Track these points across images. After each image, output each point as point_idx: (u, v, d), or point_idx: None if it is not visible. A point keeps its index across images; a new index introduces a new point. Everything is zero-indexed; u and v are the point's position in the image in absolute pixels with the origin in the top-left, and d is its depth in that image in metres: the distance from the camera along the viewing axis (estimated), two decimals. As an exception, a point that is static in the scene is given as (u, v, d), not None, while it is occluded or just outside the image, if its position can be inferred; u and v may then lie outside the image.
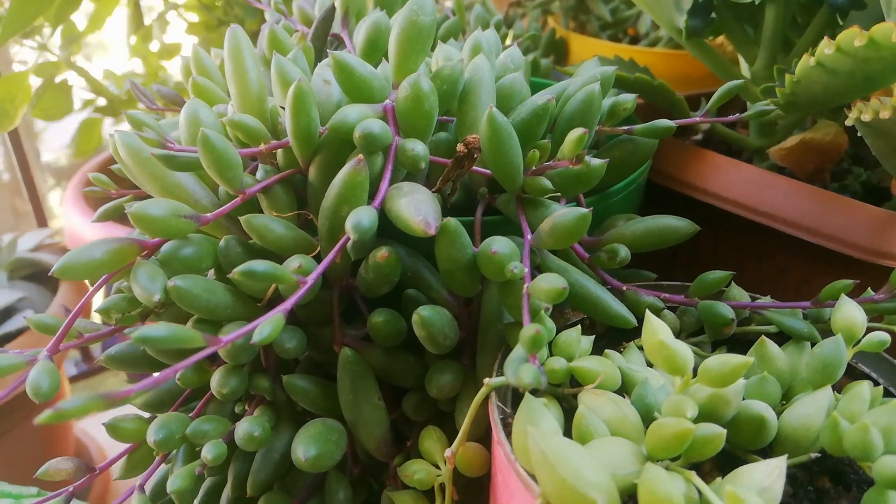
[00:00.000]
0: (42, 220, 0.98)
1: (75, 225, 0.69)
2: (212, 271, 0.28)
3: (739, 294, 0.28)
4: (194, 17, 0.91)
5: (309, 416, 0.28)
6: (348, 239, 0.24)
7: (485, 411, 0.25)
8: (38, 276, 0.72)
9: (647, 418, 0.23)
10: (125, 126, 1.12)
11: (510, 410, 0.24)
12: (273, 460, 0.27)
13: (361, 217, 0.23)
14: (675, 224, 0.28)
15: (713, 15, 0.38)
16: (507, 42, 0.61)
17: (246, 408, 0.27)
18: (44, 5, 0.67)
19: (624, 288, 0.29)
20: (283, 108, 0.28)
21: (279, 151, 0.28)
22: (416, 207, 0.23)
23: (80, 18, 0.83)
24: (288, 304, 0.22)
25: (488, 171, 0.28)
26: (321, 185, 0.27)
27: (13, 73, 0.77)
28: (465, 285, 0.26)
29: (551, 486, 0.19)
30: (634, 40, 0.63)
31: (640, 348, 0.27)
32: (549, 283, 0.22)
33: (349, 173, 0.24)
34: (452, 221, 0.23)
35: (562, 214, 0.24)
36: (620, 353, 0.26)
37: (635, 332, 0.28)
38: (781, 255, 0.37)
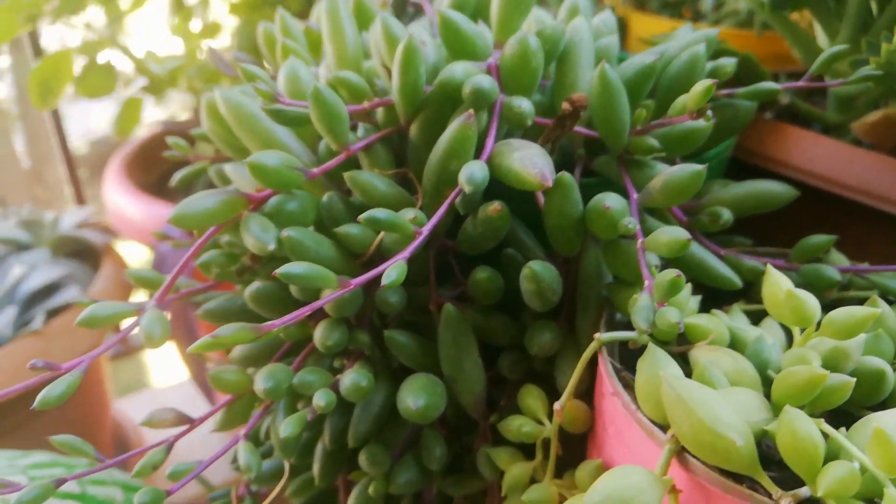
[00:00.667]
0: (81, 201, 0.99)
1: (118, 201, 0.70)
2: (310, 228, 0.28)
3: (839, 259, 0.28)
4: (237, -1, 0.91)
5: (403, 373, 0.28)
6: (458, 193, 0.24)
7: (586, 370, 0.25)
8: (80, 253, 0.72)
9: (762, 374, 0.23)
10: (165, 105, 1.12)
11: (620, 366, 0.24)
12: (372, 413, 0.27)
13: (474, 170, 0.23)
14: (775, 188, 0.28)
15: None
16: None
17: (344, 363, 0.28)
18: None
19: (722, 252, 0.29)
20: (385, 68, 0.28)
21: (379, 110, 0.28)
22: (532, 161, 0.23)
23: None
24: (406, 253, 0.23)
25: (588, 132, 0.28)
26: (423, 143, 0.27)
27: (58, 51, 0.78)
28: (569, 242, 0.26)
29: (688, 427, 0.19)
30: (693, 20, 0.63)
31: (743, 312, 0.27)
32: (670, 235, 0.22)
33: (459, 128, 0.24)
34: (567, 175, 0.23)
35: (675, 170, 0.24)
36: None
37: (733, 298, 0.28)
38: (862, 228, 0.37)
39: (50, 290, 0.63)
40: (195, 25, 0.95)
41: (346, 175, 0.26)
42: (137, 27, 1.04)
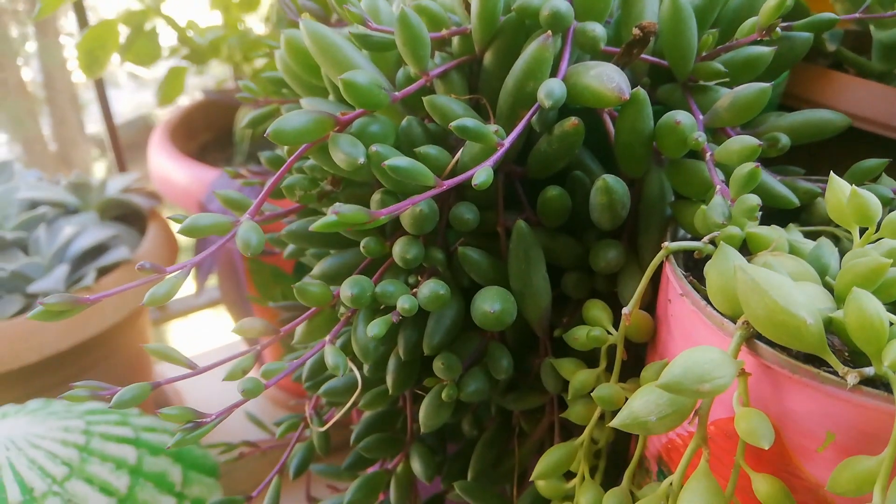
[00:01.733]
0: (122, 169, 1.01)
1: (162, 167, 0.72)
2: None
3: (889, 182, 0.30)
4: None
5: (472, 290, 0.30)
6: (535, 110, 0.26)
7: (649, 283, 0.26)
8: (126, 217, 0.74)
9: (822, 278, 0.24)
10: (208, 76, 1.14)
11: (685, 273, 0.26)
12: (445, 325, 0.29)
13: (553, 86, 0.25)
14: (829, 116, 0.30)
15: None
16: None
17: (419, 279, 0.29)
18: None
19: (779, 178, 0.30)
20: (464, 1, 0.30)
21: (455, 39, 0.30)
22: (608, 76, 0.25)
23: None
24: (491, 161, 0.24)
25: (655, 59, 0.29)
26: (496, 70, 0.29)
27: (103, 20, 0.80)
28: (638, 162, 0.27)
29: (762, 310, 0.20)
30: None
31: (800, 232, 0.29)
32: (742, 143, 0.23)
33: (537, 49, 0.26)
34: (641, 91, 0.25)
35: (742, 89, 0.25)
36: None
37: (789, 219, 0.30)
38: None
39: (99, 250, 0.65)
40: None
41: (426, 99, 0.28)
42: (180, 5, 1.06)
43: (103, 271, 0.60)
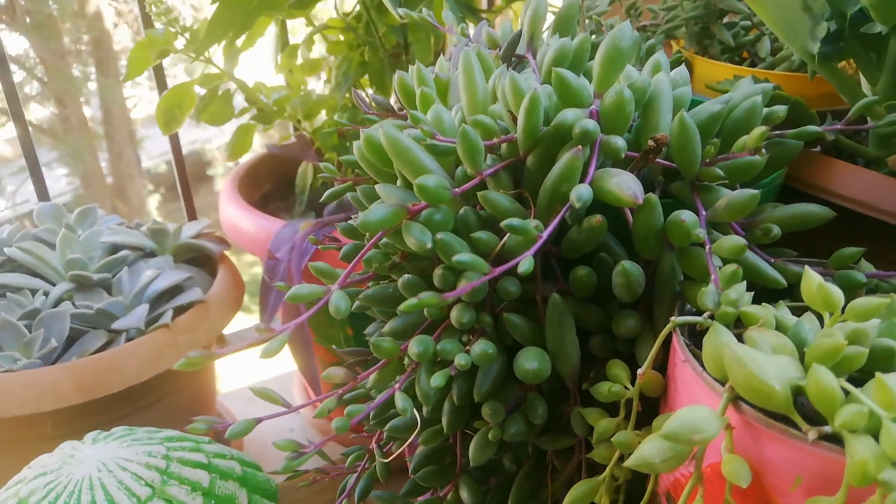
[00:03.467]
0: (192, 216, 1.09)
1: (232, 215, 0.80)
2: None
3: (867, 267, 0.35)
4: (335, 37, 1.03)
5: (514, 348, 0.36)
6: (568, 208, 0.33)
7: (661, 347, 0.32)
8: (198, 259, 0.81)
9: (799, 350, 0.30)
10: (273, 132, 1.23)
11: (689, 342, 0.32)
12: (492, 377, 0.36)
13: (582, 191, 0.31)
14: (815, 210, 0.36)
15: (842, 43, 0.45)
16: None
17: (470, 338, 0.36)
18: (228, 30, 0.79)
19: (772, 260, 0.36)
20: (510, 112, 0.37)
21: (504, 145, 0.37)
22: (626, 184, 0.31)
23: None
24: (531, 251, 0.31)
25: (667, 163, 0.36)
26: (537, 170, 0.36)
27: (182, 82, 0.89)
28: (651, 248, 0.33)
29: (742, 378, 0.26)
30: (751, 64, 0.70)
31: (787, 307, 0.34)
32: (732, 242, 0.29)
33: (569, 159, 0.33)
34: (652, 196, 0.31)
35: (736, 193, 0.32)
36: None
37: (779, 296, 0.35)
38: (892, 246, 0.43)
39: (175, 290, 0.72)
40: (298, 62, 1.07)
41: (480, 194, 0.35)
42: (248, 63, 1.17)
43: (179, 310, 0.66)
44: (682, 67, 0.40)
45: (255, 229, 0.79)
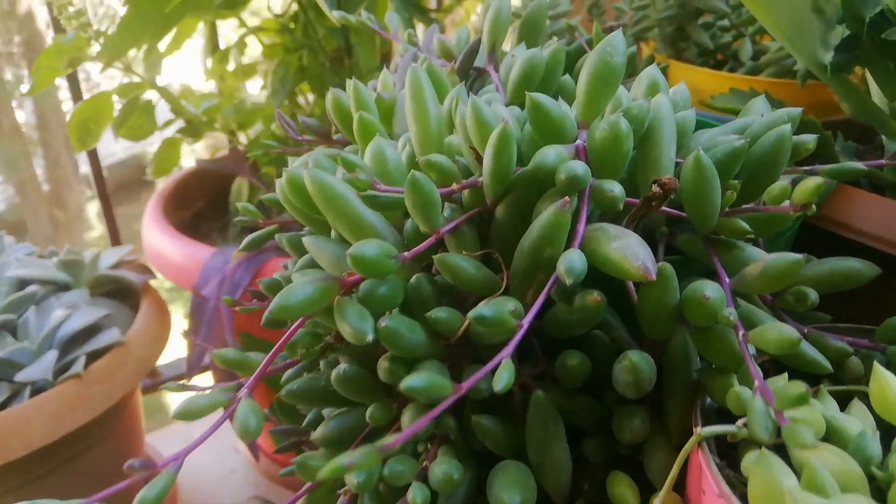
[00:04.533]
0: (116, 240, 0.98)
1: (155, 242, 0.71)
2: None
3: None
4: (270, 40, 0.93)
5: (487, 456, 0.28)
6: (554, 282, 0.24)
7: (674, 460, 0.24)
8: (118, 292, 0.72)
9: (866, 470, 0.23)
10: (202, 145, 1.13)
11: (721, 461, 0.24)
12: (458, 500, 0.27)
13: (574, 262, 0.23)
14: (857, 267, 0.28)
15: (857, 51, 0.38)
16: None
17: (428, 446, 0.28)
18: (143, 34, 0.69)
19: (805, 330, 0.28)
20: (473, 149, 0.28)
21: (466, 190, 0.28)
22: (633, 252, 0.23)
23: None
24: (509, 349, 0.23)
25: (675, 211, 0.28)
26: (509, 223, 0.28)
27: (98, 92, 0.79)
28: (663, 328, 0.26)
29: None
30: (731, 68, 0.63)
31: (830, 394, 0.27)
32: (780, 333, 0.22)
33: (554, 215, 0.24)
34: (668, 267, 0.24)
35: (775, 259, 0.24)
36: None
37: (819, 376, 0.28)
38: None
39: (90, 331, 0.63)
40: (230, 67, 0.96)
41: (437, 258, 0.26)
42: (173, 69, 1.06)
43: (94, 356, 0.57)
44: (682, 85, 0.32)
45: (182, 258, 0.70)
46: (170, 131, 0.92)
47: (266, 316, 0.33)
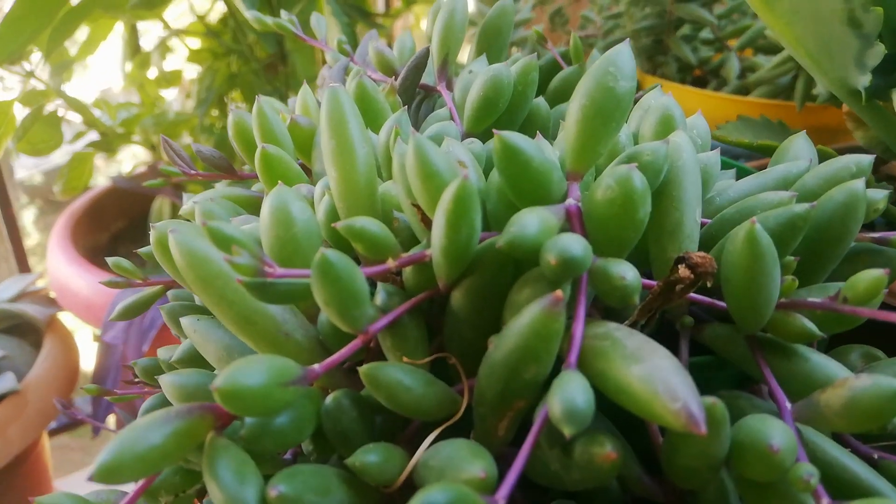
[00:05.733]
0: (24, 267, 0.86)
1: (60, 270, 0.61)
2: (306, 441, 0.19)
3: None
4: (197, 44, 0.83)
5: None
6: (544, 422, 0.16)
7: None
8: (19, 328, 0.63)
9: None
10: (120, 165, 1.02)
11: None
12: None
13: (577, 400, 0.15)
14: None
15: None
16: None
17: None
18: (37, 31, 0.58)
19: (875, 456, 0.21)
20: (417, 207, 0.20)
21: (409, 268, 0.20)
22: (665, 385, 0.15)
23: (69, 42, 0.75)
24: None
25: (707, 300, 0.20)
26: (468, 315, 0.19)
27: (-3, 101, 0.68)
28: (701, 481, 0.17)
29: None
30: (716, 87, 0.56)
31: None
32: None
33: (541, 318, 0.16)
34: (720, 409, 0.15)
35: (866, 388, 0.16)
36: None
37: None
38: None
39: (-15, 375, 0.55)
40: (152, 73, 0.86)
41: (364, 373, 0.18)
42: (87, 76, 0.95)
43: None
44: (699, 117, 0.24)
45: (90, 291, 0.61)
46: (80, 145, 0.82)
47: (143, 407, 0.24)
